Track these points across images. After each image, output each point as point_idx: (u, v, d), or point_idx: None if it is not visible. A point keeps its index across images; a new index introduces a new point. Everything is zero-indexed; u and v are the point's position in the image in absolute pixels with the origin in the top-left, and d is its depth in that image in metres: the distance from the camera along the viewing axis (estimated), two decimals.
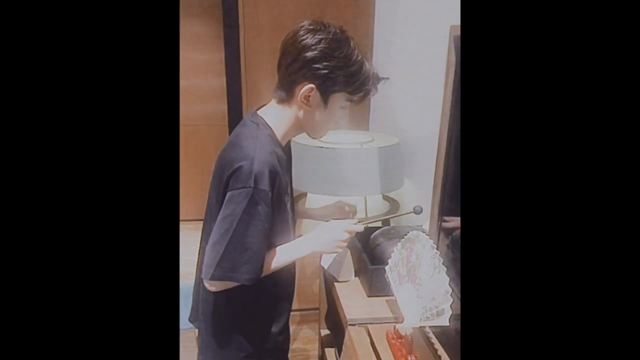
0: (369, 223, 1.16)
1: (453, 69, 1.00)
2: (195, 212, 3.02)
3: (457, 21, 0.82)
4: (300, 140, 1.64)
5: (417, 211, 1.14)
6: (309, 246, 1.04)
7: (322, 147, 1.57)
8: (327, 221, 1.11)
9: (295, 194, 1.25)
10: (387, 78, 1.21)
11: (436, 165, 1.11)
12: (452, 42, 0.99)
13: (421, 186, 1.69)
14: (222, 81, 3.14)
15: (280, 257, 1.01)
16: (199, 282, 1.08)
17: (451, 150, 1.05)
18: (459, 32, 0.96)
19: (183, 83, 3.18)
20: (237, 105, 2.35)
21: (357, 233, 1.09)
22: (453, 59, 1.00)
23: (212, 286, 0.97)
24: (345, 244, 1.07)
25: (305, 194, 1.80)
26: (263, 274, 0.96)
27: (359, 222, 1.09)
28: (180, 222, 2.97)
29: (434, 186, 1.13)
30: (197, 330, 1.15)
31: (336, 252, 1.07)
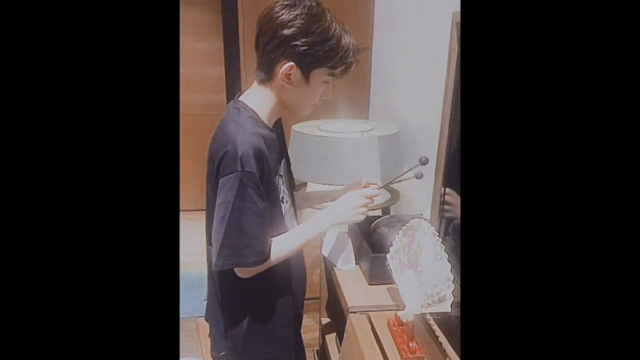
0: (385, 185, 1.14)
1: (455, 56, 0.99)
2: (192, 202, 3.00)
3: (459, 8, 0.81)
4: (301, 129, 1.63)
5: (424, 161, 1.06)
6: (327, 219, 1.02)
7: (322, 136, 1.56)
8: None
9: (295, 183, 1.24)
10: (367, 48, 1.19)
11: (438, 153, 1.11)
12: (455, 29, 0.98)
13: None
14: (220, 70, 3.12)
15: (297, 236, 1.00)
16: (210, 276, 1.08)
17: (453, 138, 1.05)
18: None
19: (181, 72, 3.15)
20: (235, 94, 2.34)
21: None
22: (455, 46, 0.99)
23: (241, 274, 0.96)
24: (365, 209, 1.03)
25: (305, 184, 1.79)
26: (278, 256, 0.96)
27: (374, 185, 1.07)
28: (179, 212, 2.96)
29: (436, 174, 1.13)
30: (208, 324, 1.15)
31: (358, 220, 1.04)
